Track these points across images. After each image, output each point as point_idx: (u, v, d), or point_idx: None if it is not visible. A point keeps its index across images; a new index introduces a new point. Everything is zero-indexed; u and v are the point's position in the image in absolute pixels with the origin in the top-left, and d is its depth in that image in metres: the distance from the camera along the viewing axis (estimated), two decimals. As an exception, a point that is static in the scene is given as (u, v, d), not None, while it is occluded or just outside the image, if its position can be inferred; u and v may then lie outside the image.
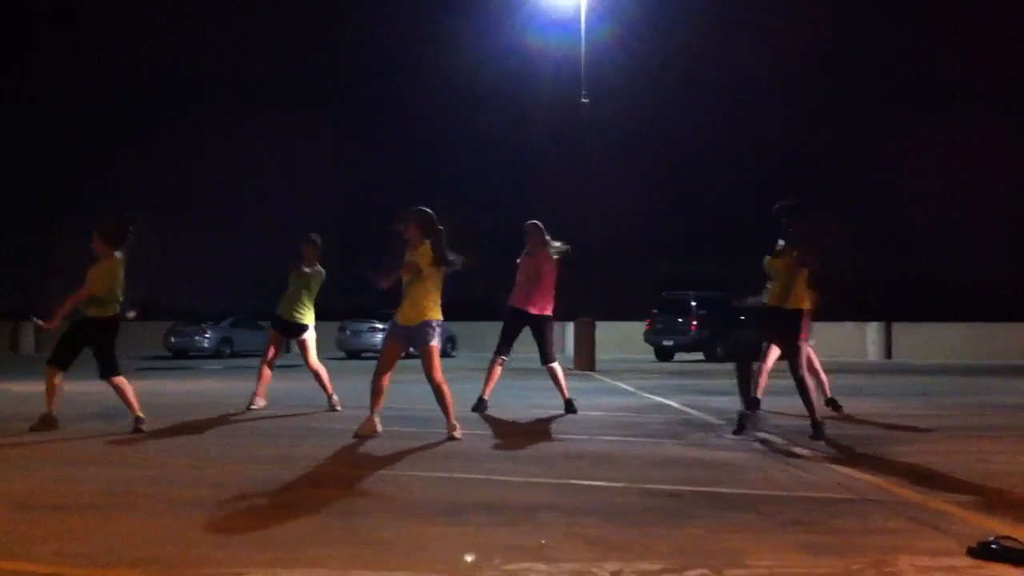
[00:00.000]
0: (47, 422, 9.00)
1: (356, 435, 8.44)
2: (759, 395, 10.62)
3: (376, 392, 8.53)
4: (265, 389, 11.18)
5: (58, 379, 9.08)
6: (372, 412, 8.56)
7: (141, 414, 9.09)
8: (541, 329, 10.69)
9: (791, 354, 8.62)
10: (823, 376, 10.78)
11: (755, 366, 10.02)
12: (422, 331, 8.39)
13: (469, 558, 4.31)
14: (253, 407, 10.97)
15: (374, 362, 8.66)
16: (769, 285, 8.98)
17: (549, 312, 10.72)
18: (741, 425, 8.80)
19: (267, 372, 11.21)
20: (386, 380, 8.55)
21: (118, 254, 9.14)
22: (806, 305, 8.63)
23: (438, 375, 8.41)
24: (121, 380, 9.09)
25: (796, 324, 8.63)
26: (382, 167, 48.53)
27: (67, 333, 9.10)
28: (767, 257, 8.92)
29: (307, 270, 11.11)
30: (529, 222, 10.81)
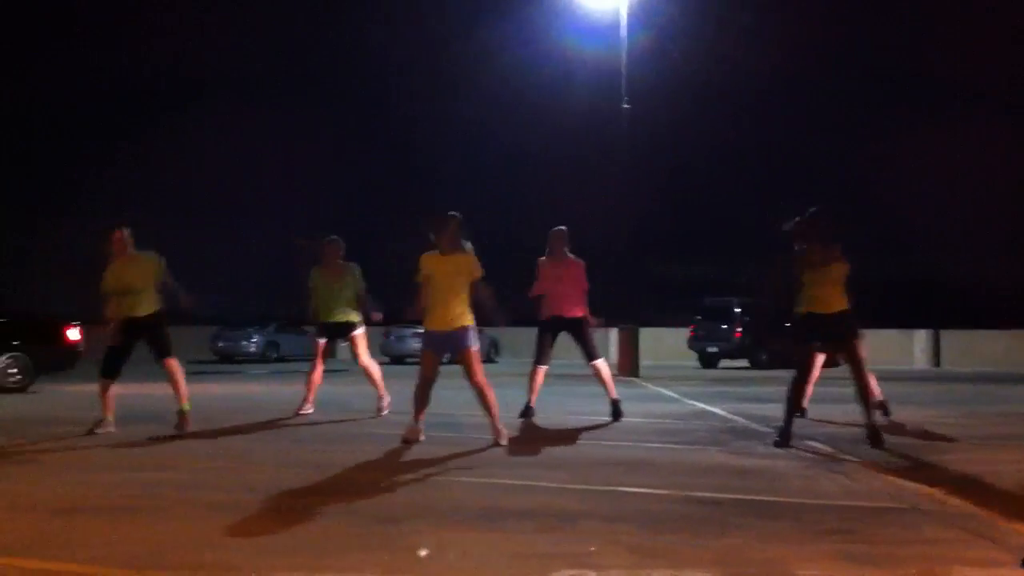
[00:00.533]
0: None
1: (403, 440, 8.43)
2: (805, 405, 10.53)
3: (420, 402, 8.54)
4: (313, 395, 11.22)
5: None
6: (416, 419, 8.56)
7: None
8: (579, 331, 10.61)
9: (854, 358, 8.49)
10: (810, 388, 10.58)
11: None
12: (458, 336, 8.37)
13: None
14: (302, 412, 11.02)
15: (419, 367, 8.66)
16: (798, 295, 8.83)
17: (581, 314, 10.63)
18: (786, 437, 8.57)
19: (317, 377, 11.25)
20: (429, 390, 8.55)
21: (151, 253, 9.39)
22: (847, 305, 8.52)
23: (480, 377, 8.40)
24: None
25: (850, 325, 8.52)
26: (417, 172, 48.61)
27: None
28: (796, 268, 8.63)
29: (342, 264, 11.12)
30: (556, 228, 10.74)
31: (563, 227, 10.71)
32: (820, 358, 9.02)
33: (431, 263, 8.44)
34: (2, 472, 6.98)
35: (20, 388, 15.01)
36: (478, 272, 8.44)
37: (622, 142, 23.56)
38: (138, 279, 9.26)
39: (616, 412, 10.57)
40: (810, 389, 10.48)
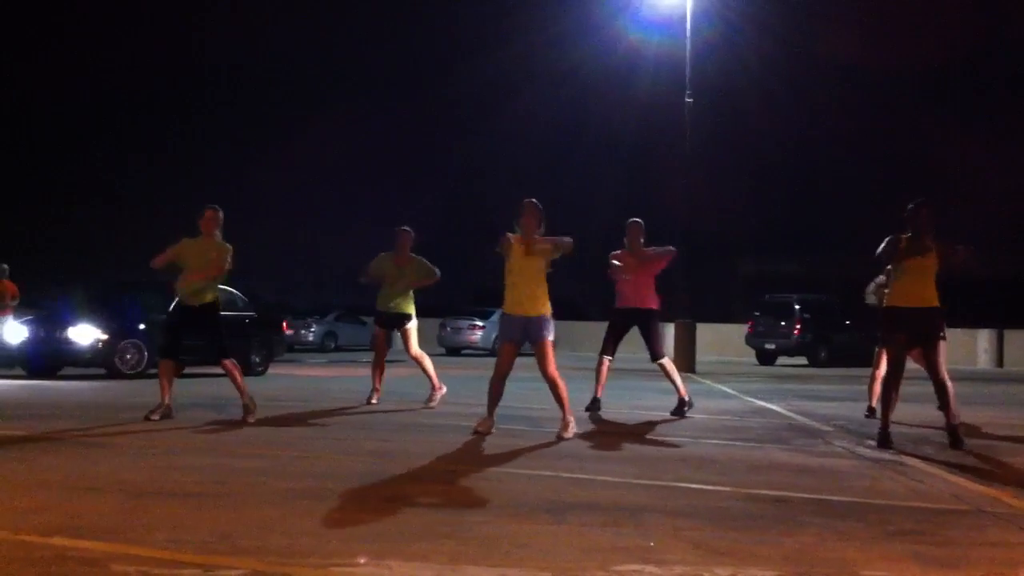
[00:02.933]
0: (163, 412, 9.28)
1: (474, 431, 8.49)
2: (874, 404, 10.45)
3: (494, 395, 8.60)
4: (380, 384, 11.36)
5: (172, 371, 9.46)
6: (490, 412, 8.61)
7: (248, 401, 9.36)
8: (648, 324, 10.61)
9: (937, 356, 8.35)
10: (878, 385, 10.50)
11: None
12: (539, 325, 8.40)
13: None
14: (372, 401, 11.15)
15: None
16: (884, 286, 8.70)
17: (655, 306, 10.65)
18: (886, 438, 8.31)
19: (382, 368, 11.40)
20: (503, 384, 8.59)
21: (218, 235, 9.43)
22: (938, 302, 8.40)
23: (553, 369, 8.44)
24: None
25: (938, 323, 8.40)
26: (477, 163, 48.75)
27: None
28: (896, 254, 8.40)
29: (411, 256, 11.27)
30: (632, 219, 10.75)
31: (639, 219, 10.73)
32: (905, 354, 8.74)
33: (514, 240, 8.45)
34: (82, 454, 7.15)
35: (261, 373, 17.15)
36: (550, 251, 8.42)
37: (685, 135, 23.44)
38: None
39: (680, 408, 10.55)
40: (876, 387, 10.40)
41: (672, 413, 10.50)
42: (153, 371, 13.85)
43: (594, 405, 10.60)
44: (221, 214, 9.44)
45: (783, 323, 27.71)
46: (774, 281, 34.75)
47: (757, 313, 28.63)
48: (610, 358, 10.75)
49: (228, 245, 9.42)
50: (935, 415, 10.48)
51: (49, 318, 16.23)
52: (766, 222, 44.21)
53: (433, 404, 11.07)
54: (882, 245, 8.46)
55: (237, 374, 9.36)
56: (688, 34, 23.49)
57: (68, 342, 15.49)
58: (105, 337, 15.52)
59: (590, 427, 9.39)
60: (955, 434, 8.28)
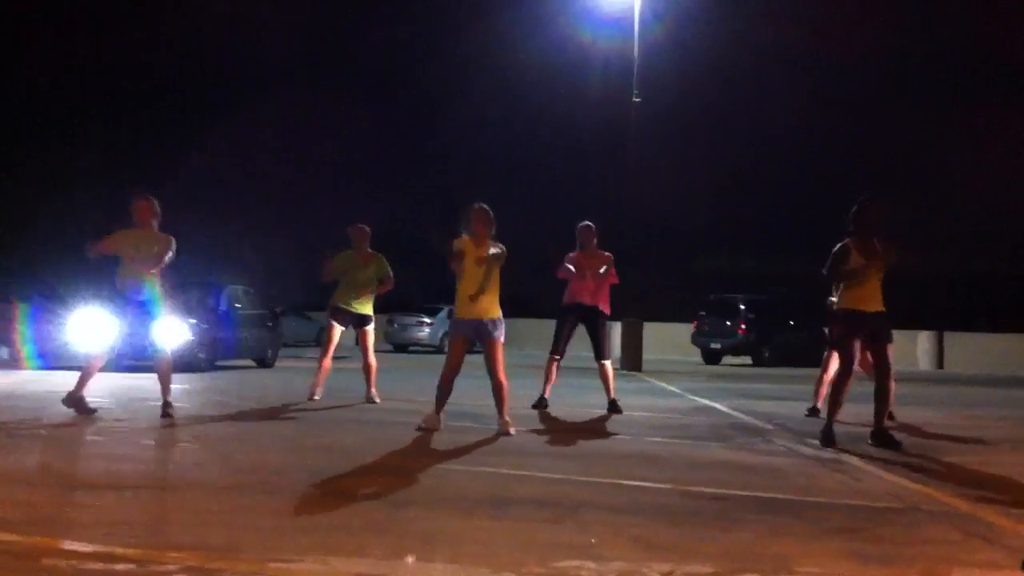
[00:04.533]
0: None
1: (419, 427, 8.45)
2: (819, 404, 10.59)
3: (443, 392, 8.57)
4: (323, 380, 11.25)
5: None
6: (438, 410, 8.57)
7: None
8: (596, 323, 10.66)
9: (887, 358, 8.47)
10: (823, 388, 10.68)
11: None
12: (490, 326, 8.42)
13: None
14: (313, 398, 11.05)
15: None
16: (838, 290, 8.80)
17: (606, 308, 10.71)
18: (830, 437, 8.33)
19: (327, 364, 11.29)
20: (452, 381, 8.58)
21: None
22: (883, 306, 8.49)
23: (501, 371, 8.47)
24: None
25: (888, 327, 8.53)
26: (423, 164, 48.63)
27: None
28: (849, 260, 8.41)
29: (370, 252, 11.19)
30: (584, 223, 10.81)
31: (590, 222, 10.79)
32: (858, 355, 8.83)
33: (465, 245, 8.45)
34: (17, 445, 7.02)
35: (271, 365, 18.95)
36: (500, 257, 8.47)
37: (632, 135, 23.55)
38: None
39: (613, 411, 10.60)
40: (823, 389, 10.54)
41: (608, 411, 10.56)
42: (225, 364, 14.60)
43: (541, 403, 10.62)
44: (156, 204, 9.19)
45: (728, 322, 27.93)
46: (725, 279, 34.99)
47: (703, 312, 28.82)
48: (559, 357, 10.78)
49: (170, 237, 9.17)
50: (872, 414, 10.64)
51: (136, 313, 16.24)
52: (718, 220, 44.50)
53: (377, 400, 11.00)
54: (828, 262, 8.49)
55: (168, 374, 9.17)
56: (636, 32, 23.57)
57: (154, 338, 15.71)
58: (192, 335, 16.07)
59: (533, 424, 9.39)
60: (885, 434, 8.35)
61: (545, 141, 46.06)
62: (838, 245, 8.48)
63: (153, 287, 9.09)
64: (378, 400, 11.02)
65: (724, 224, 44.72)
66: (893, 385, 8.52)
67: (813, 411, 10.93)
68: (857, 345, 8.53)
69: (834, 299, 10.32)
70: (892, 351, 8.60)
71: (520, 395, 10.30)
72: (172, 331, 15.61)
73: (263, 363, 18.99)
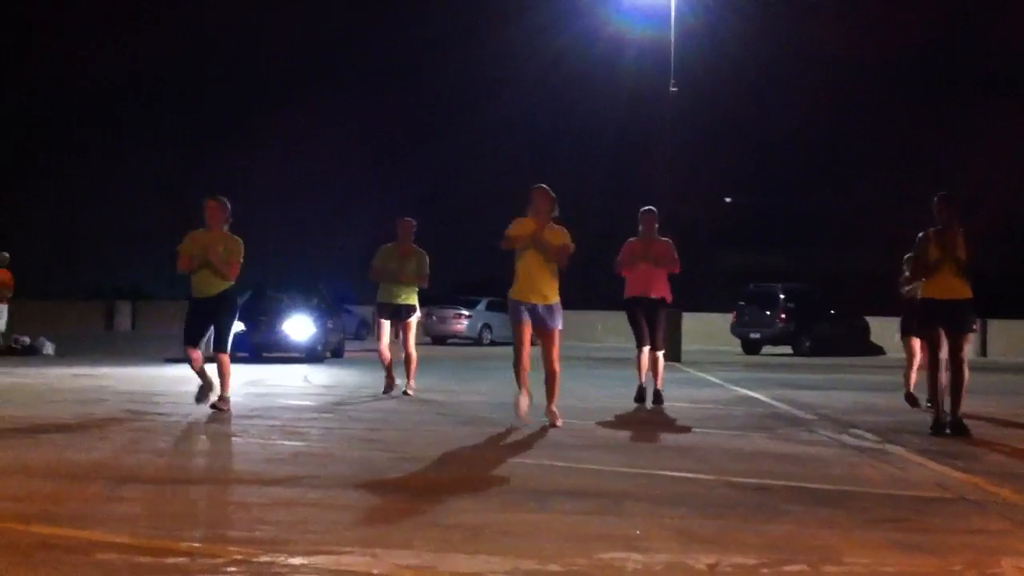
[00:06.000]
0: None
1: (516, 410, 8.36)
2: (912, 390, 10.66)
3: (521, 370, 8.42)
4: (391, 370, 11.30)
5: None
6: (522, 387, 8.44)
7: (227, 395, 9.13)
8: (656, 313, 10.63)
9: (960, 348, 8.52)
10: (914, 375, 10.74)
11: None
12: (549, 312, 8.38)
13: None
14: (395, 391, 11.12)
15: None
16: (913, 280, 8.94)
17: (667, 296, 10.68)
18: (941, 425, 8.43)
19: (387, 354, 11.32)
20: (527, 358, 8.43)
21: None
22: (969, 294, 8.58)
23: (556, 359, 8.44)
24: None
25: (969, 315, 8.60)
26: (461, 152, 48.70)
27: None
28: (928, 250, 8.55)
29: (413, 247, 11.24)
30: (646, 208, 10.76)
31: (652, 207, 10.75)
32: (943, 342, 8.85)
33: (526, 226, 8.40)
34: (66, 442, 7.13)
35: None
36: (568, 240, 8.44)
37: (669, 125, 23.46)
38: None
39: (657, 400, 10.56)
40: (914, 376, 10.59)
41: (652, 401, 10.51)
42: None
43: (641, 394, 10.59)
44: (227, 204, 9.15)
45: (767, 312, 27.77)
46: (758, 273, 34.76)
47: (742, 302, 28.67)
48: (647, 347, 10.70)
49: (238, 238, 9.15)
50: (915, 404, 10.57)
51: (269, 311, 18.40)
52: (752, 212, 44.25)
53: (411, 392, 11.01)
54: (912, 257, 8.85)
55: (228, 371, 9.18)
56: (672, 23, 23.46)
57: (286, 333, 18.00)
58: (315, 329, 18.04)
59: (573, 416, 9.39)
60: (961, 424, 8.33)
61: (582, 132, 45.98)
62: (920, 234, 8.65)
63: (223, 283, 9.08)
64: (412, 392, 11.02)
65: (763, 215, 44.44)
66: (967, 373, 8.51)
67: (912, 399, 10.83)
68: (938, 333, 8.56)
69: (908, 288, 10.43)
70: (970, 340, 8.66)
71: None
72: (301, 327, 17.89)
73: (338, 355, 19.89)
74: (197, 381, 9.11)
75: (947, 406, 8.42)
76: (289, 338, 18.03)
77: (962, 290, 8.51)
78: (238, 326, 10.33)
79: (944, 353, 8.52)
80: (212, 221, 9.07)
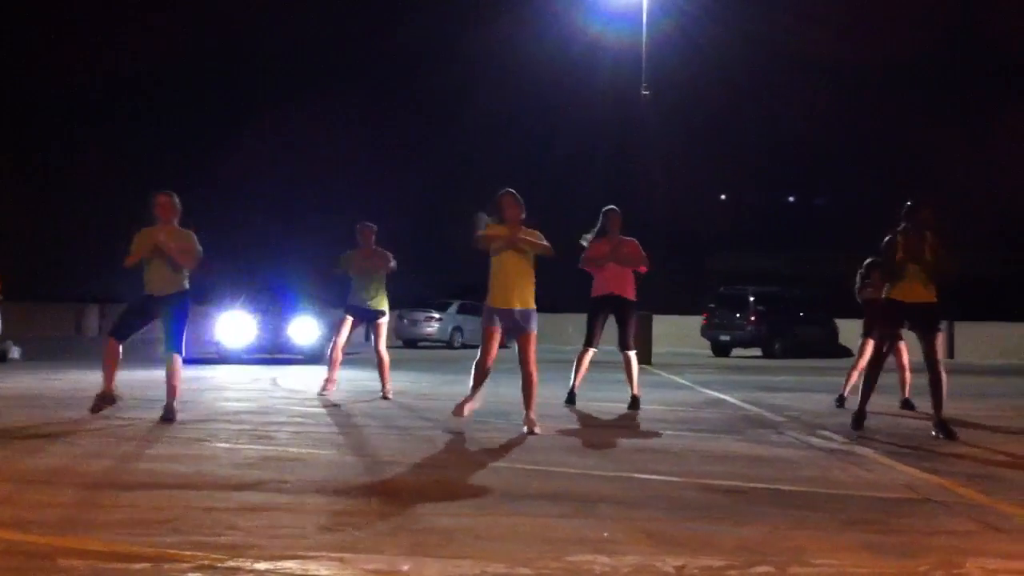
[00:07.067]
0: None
1: (455, 413, 8.34)
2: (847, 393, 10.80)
3: (478, 376, 8.41)
4: (336, 374, 11.36)
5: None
6: (471, 394, 8.43)
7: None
8: (625, 312, 10.60)
9: (933, 349, 8.66)
10: (908, 375, 10.93)
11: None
12: (524, 317, 8.34)
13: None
14: (324, 392, 11.14)
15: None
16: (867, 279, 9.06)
17: (632, 296, 10.67)
18: (860, 422, 8.74)
19: (338, 356, 11.39)
20: (487, 368, 8.41)
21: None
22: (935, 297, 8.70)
23: (534, 365, 8.36)
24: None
25: (936, 317, 8.75)
26: (433, 158, 48.64)
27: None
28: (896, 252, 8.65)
29: (375, 249, 11.28)
30: (609, 207, 10.75)
31: (615, 207, 10.74)
32: (899, 346, 9.00)
33: (498, 232, 8.37)
34: (39, 447, 7.05)
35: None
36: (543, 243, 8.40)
37: (641, 128, 23.54)
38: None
39: (634, 406, 10.53)
40: (908, 376, 10.81)
41: (628, 407, 10.49)
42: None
43: (571, 397, 10.58)
44: (177, 200, 8.97)
45: (738, 315, 27.89)
46: (733, 274, 34.91)
47: (712, 305, 28.78)
48: (594, 349, 10.69)
49: (190, 231, 8.95)
50: (888, 405, 10.65)
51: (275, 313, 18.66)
52: (729, 215, 44.50)
53: (390, 398, 11.03)
54: (881, 262, 8.93)
55: (179, 374, 8.93)
56: (644, 25, 23.54)
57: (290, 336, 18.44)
58: (322, 331, 18.30)
59: (546, 419, 9.38)
60: (945, 425, 8.43)
61: (554, 136, 46.01)
62: (887, 237, 8.73)
63: (182, 282, 8.87)
64: (390, 396, 11.05)
65: (732, 218, 44.65)
66: (944, 375, 8.61)
67: (841, 400, 10.96)
68: (895, 335, 8.73)
69: (869, 290, 10.56)
70: (941, 341, 8.79)
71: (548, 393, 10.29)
72: (306, 328, 18.14)
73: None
74: (162, 385, 8.91)
75: (901, 403, 8.60)
76: (293, 341, 18.41)
77: (928, 293, 8.59)
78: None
79: (905, 356, 8.71)
80: (164, 216, 8.88)
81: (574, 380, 10.71)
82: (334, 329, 11.86)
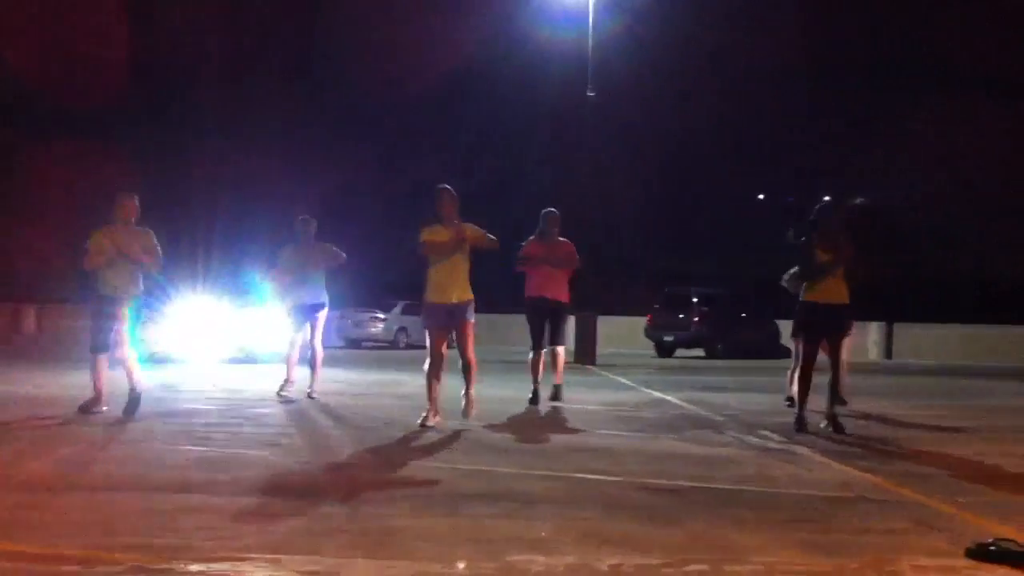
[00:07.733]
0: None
1: (422, 424, 8.33)
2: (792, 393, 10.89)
3: (433, 385, 8.47)
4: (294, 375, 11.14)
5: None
6: (431, 402, 8.48)
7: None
8: (559, 314, 10.74)
9: (838, 352, 8.90)
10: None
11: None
12: (465, 309, 8.45)
13: (461, 565, 4.17)
14: (283, 393, 10.96)
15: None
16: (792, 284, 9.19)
17: (565, 299, 10.78)
18: (802, 423, 8.76)
19: (296, 357, 11.16)
20: (440, 372, 8.53)
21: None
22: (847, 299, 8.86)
23: (472, 351, 8.57)
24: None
25: (848, 319, 9.06)
26: (378, 158, 48.38)
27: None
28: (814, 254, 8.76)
29: (315, 244, 11.11)
30: (548, 209, 10.79)
31: (553, 208, 10.80)
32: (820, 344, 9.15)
33: (436, 232, 8.41)
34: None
35: None
36: (482, 237, 8.53)
37: (587, 130, 23.63)
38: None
39: (556, 395, 10.71)
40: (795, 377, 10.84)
41: (551, 397, 10.59)
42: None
43: (535, 398, 10.58)
44: (137, 200, 9.03)
45: (681, 315, 28.05)
46: (677, 274, 35.12)
47: (656, 306, 28.92)
48: (543, 350, 10.74)
49: (150, 231, 9.04)
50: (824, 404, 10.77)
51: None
52: (670, 215, 44.73)
53: (286, 393, 10.88)
54: (799, 266, 9.04)
55: (136, 368, 9.01)
56: (591, 27, 23.60)
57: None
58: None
59: (485, 419, 9.37)
60: (835, 419, 8.69)
61: (500, 136, 46.02)
62: (803, 241, 8.84)
63: (139, 285, 8.98)
64: (315, 396, 10.82)
65: (680, 220, 44.97)
66: (843, 374, 8.89)
67: (791, 400, 11.04)
68: (818, 335, 8.93)
69: (787, 285, 10.66)
70: (848, 342, 8.88)
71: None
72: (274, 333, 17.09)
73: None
74: (112, 384, 8.96)
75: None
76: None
77: (842, 294, 8.77)
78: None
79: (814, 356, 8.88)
80: (126, 216, 8.93)
81: (535, 382, 10.74)
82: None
